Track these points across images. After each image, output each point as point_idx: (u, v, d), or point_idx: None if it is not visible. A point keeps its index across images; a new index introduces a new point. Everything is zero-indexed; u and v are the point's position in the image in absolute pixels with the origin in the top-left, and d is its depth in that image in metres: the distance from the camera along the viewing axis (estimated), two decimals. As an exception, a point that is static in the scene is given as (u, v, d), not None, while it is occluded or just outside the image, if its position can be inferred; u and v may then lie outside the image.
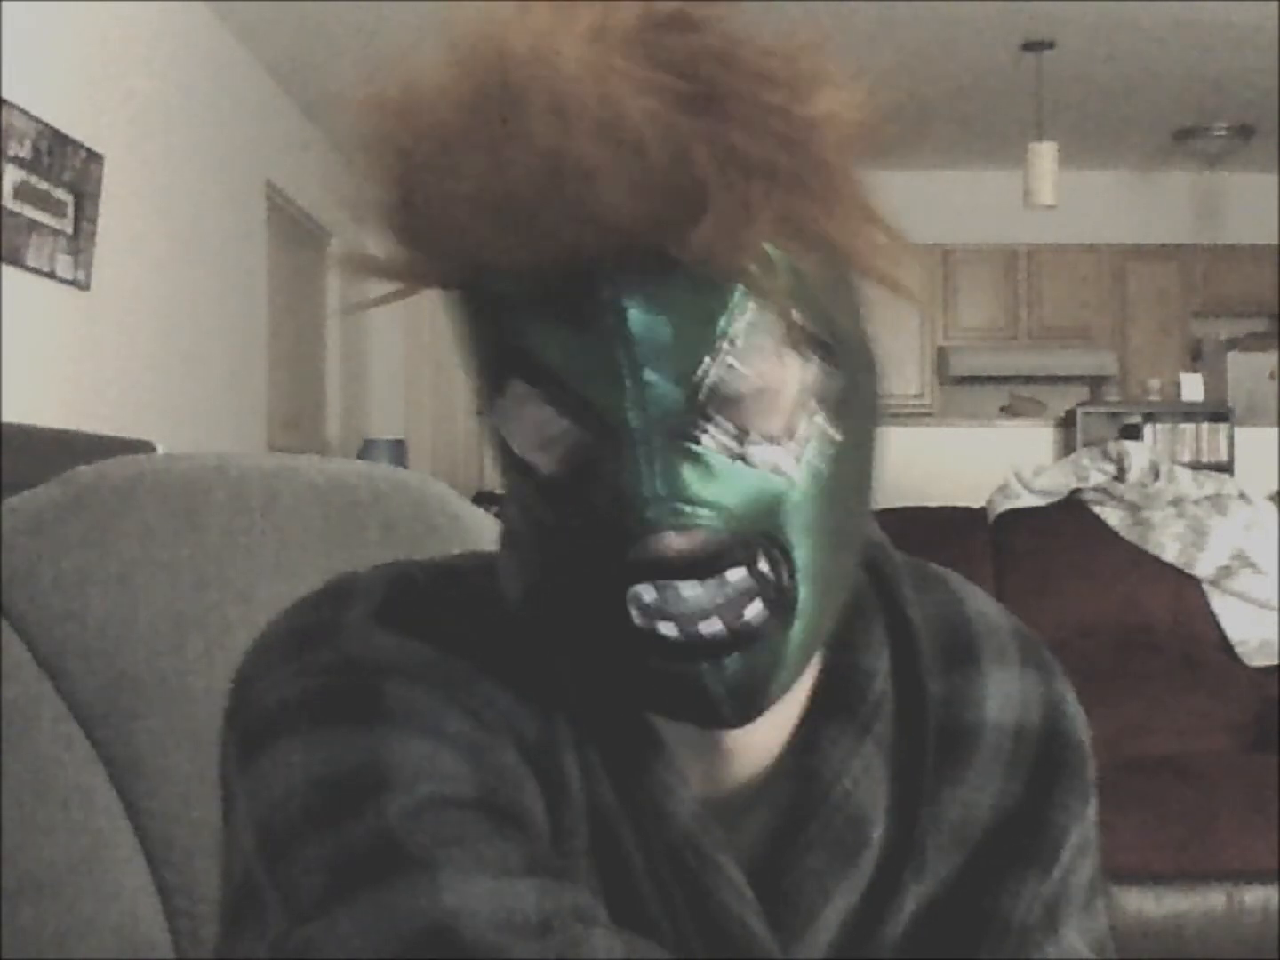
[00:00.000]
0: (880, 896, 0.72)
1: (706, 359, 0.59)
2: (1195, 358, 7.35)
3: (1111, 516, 4.11)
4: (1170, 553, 4.01)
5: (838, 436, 0.63)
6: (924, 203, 7.36)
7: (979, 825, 0.74)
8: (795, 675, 0.63)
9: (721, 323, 0.59)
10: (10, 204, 3.33)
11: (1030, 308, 7.51)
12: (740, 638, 0.60)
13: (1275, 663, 3.87)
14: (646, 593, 0.59)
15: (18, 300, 3.37)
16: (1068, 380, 7.30)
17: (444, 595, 0.70)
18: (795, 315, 0.60)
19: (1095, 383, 7.25)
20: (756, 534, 0.60)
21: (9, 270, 3.34)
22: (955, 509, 4.26)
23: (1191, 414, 5.87)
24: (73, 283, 3.68)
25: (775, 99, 0.59)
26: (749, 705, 0.62)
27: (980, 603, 0.79)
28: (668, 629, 0.60)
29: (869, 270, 0.65)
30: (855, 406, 0.65)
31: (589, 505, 0.60)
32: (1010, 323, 7.53)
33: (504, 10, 0.60)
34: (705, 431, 0.59)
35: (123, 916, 0.98)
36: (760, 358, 0.60)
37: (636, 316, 0.58)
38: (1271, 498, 4.26)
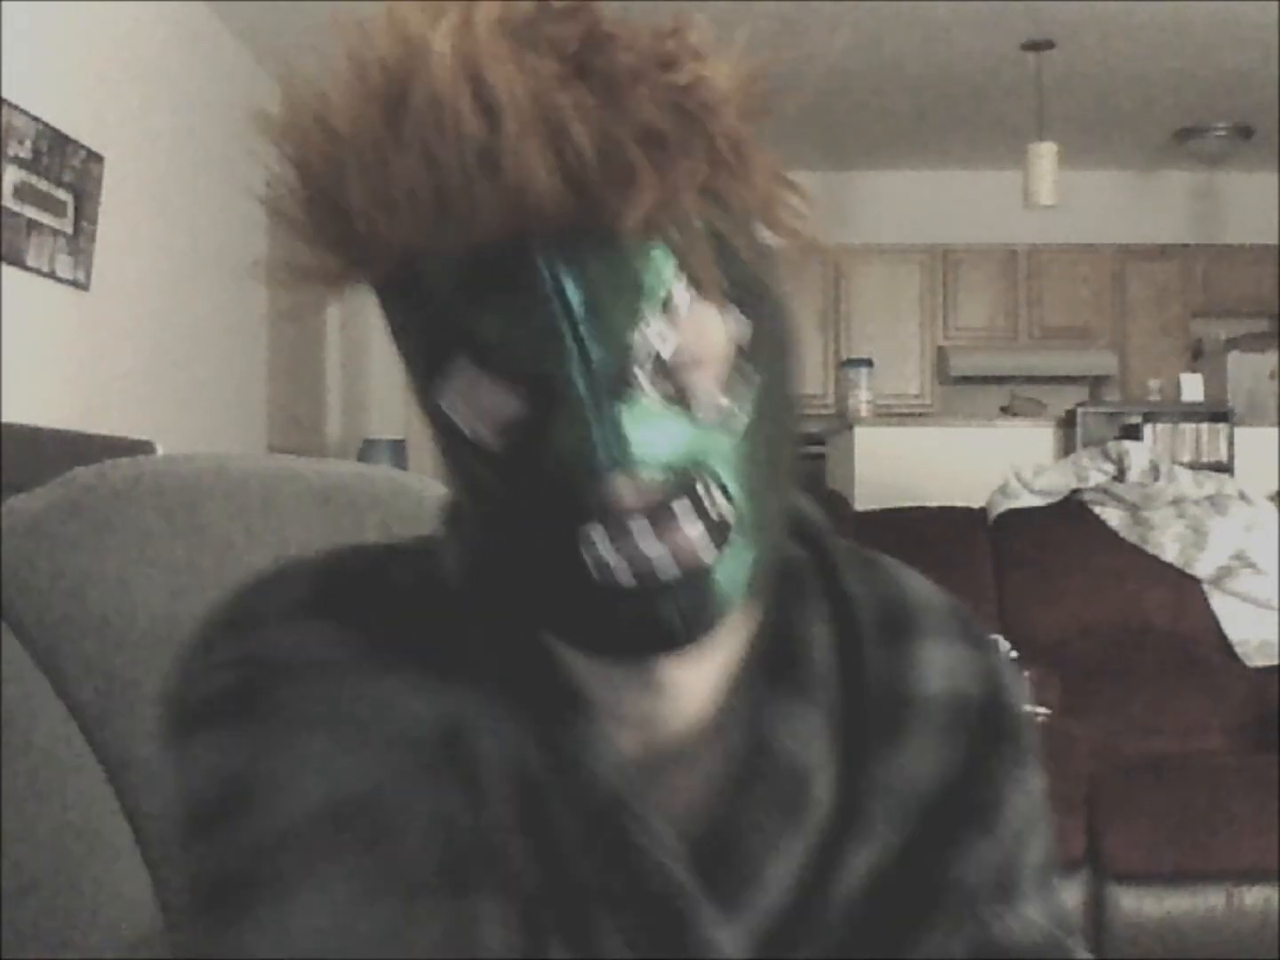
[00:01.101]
0: (825, 859, 0.74)
1: (641, 322, 0.63)
2: (1195, 358, 7.35)
3: (1111, 517, 4.11)
4: (1170, 553, 4.01)
5: (761, 381, 0.68)
6: (924, 203, 7.38)
7: (923, 794, 0.77)
8: (738, 598, 0.68)
9: (653, 287, 0.63)
10: (10, 204, 3.33)
11: (1030, 308, 7.51)
12: (689, 567, 0.65)
13: (1275, 663, 3.88)
14: (598, 534, 0.64)
15: (18, 300, 3.37)
16: (1068, 380, 7.29)
17: (370, 582, 0.74)
18: (719, 275, 0.65)
19: (1095, 383, 7.25)
20: (700, 478, 0.65)
21: (9, 270, 3.34)
22: (955, 509, 4.26)
23: (1191, 414, 5.86)
24: (73, 283, 3.68)
25: (678, 77, 0.63)
26: (699, 625, 0.66)
27: (916, 583, 0.83)
28: (622, 570, 0.64)
29: (782, 229, 0.69)
30: (774, 352, 0.70)
31: (540, 467, 0.64)
32: (1010, 323, 7.53)
33: (413, 13, 0.63)
34: (644, 388, 0.64)
35: (121, 917, 0.98)
36: (690, 317, 0.64)
37: (572, 286, 0.62)
38: (1271, 498, 4.26)
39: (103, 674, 0.99)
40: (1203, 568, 4.00)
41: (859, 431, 5.69)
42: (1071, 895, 3.16)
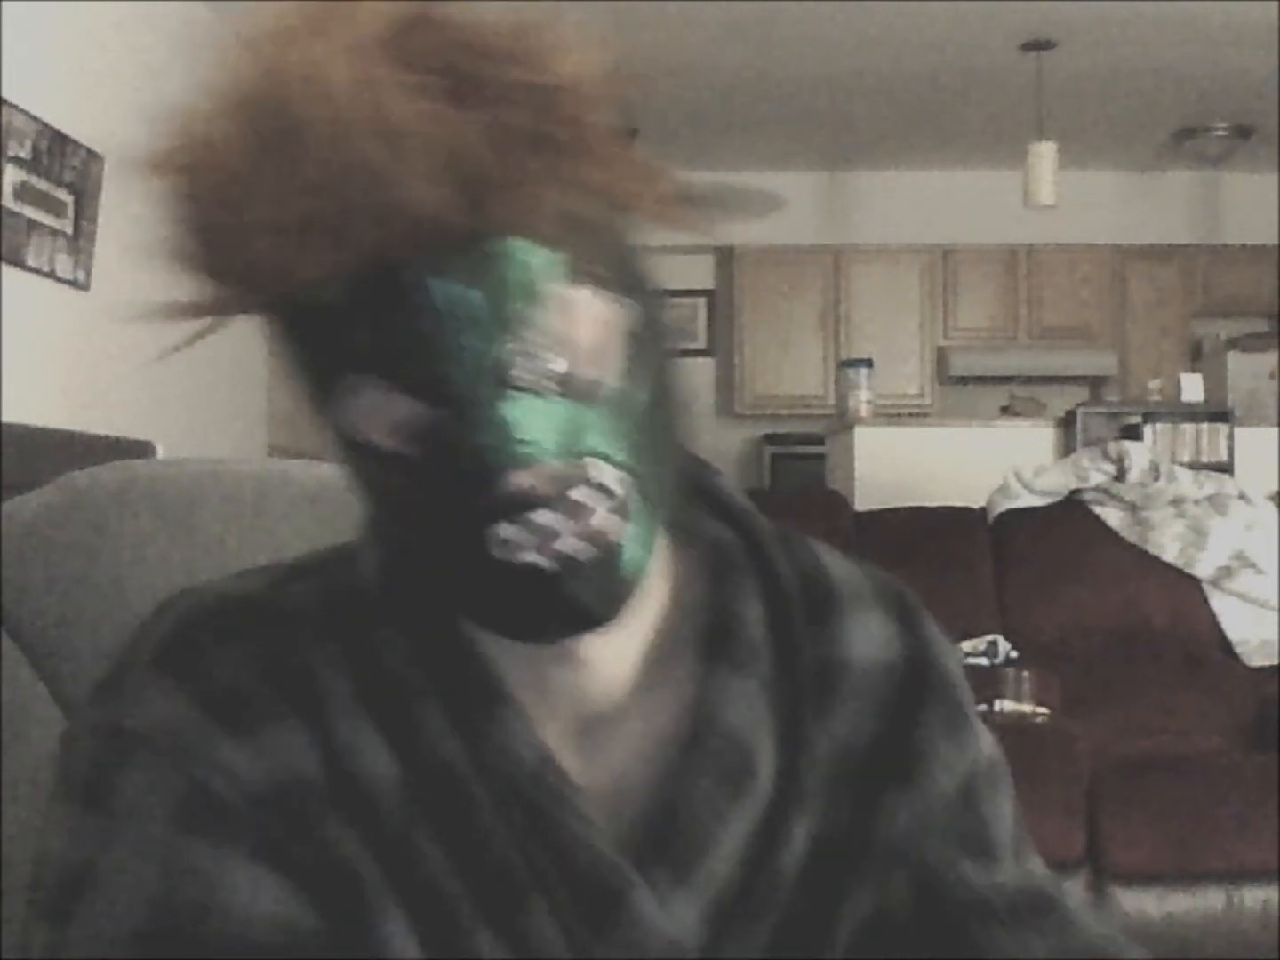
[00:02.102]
0: (770, 831, 0.76)
1: (527, 318, 0.65)
2: (1195, 358, 7.35)
3: (1111, 517, 4.11)
4: (1170, 553, 4.01)
5: (642, 361, 0.70)
6: (924, 203, 7.37)
7: (856, 759, 0.79)
8: (646, 569, 0.70)
9: (536, 285, 0.65)
10: (10, 204, 3.33)
11: (1030, 308, 7.51)
12: (598, 548, 0.67)
13: (1275, 663, 3.88)
14: (505, 530, 0.66)
15: (18, 300, 3.37)
16: (1068, 380, 7.29)
17: (245, 618, 0.75)
18: (591, 263, 0.67)
19: (1095, 383, 7.25)
20: (591, 456, 0.67)
21: (9, 270, 3.34)
22: (955, 509, 4.26)
23: (1191, 414, 5.85)
24: (73, 283, 3.68)
25: (538, 76, 0.64)
26: (612, 600, 0.69)
27: (839, 561, 0.85)
28: (530, 557, 0.66)
29: (648, 213, 0.71)
30: (651, 331, 0.72)
31: (440, 469, 0.66)
32: (1010, 323, 7.53)
33: (264, 39, 0.64)
34: (531, 382, 0.66)
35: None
36: (566, 307, 0.66)
37: (456, 292, 0.64)
38: (1271, 498, 4.26)
39: (98, 676, 0.99)
40: (1203, 568, 4.00)
41: (859, 431, 5.68)
42: (1071, 895, 3.16)
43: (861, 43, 5.47)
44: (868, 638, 0.81)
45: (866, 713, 0.80)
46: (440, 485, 0.66)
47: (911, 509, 4.27)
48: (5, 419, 2.92)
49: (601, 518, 0.67)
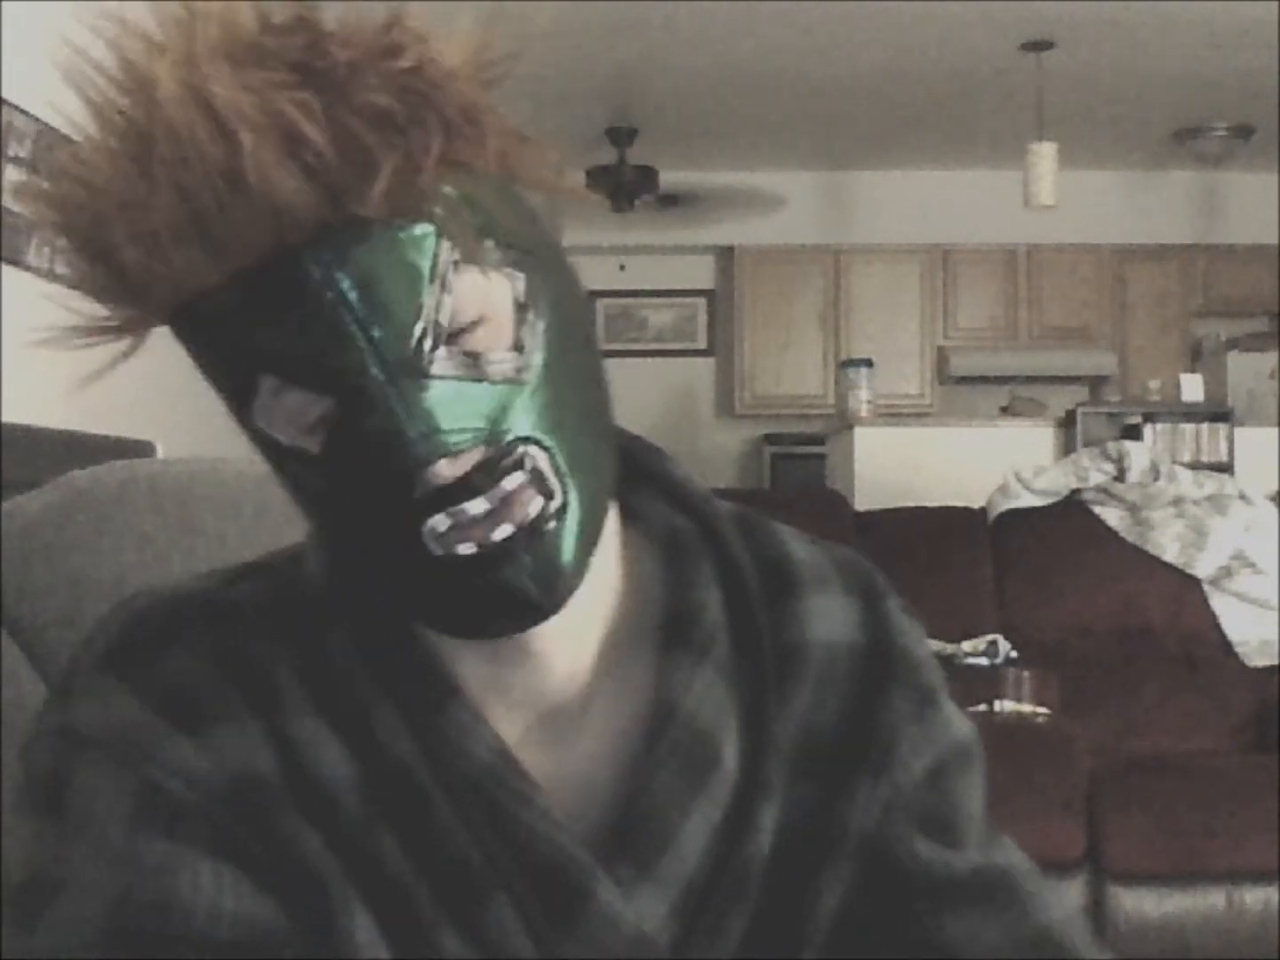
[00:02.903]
0: (737, 820, 0.75)
1: (423, 302, 0.65)
2: (1195, 358, 7.35)
3: (1111, 516, 4.11)
4: (1170, 553, 4.01)
5: (552, 329, 0.69)
6: (924, 203, 7.37)
7: (821, 744, 0.79)
8: (587, 553, 0.70)
9: (422, 264, 0.65)
10: (10, 204, 3.33)
11: (1030, 308, 7.51)
12: (529, 532, 0.66)
13: (1275, 663, 3.87)
14: (440, 523, 0.65)
15: (18, 300, 3.37)
16: (1068, 380, 7.29)
17: (196, 616, 0.75)
18: (487, 240, 0.67)
19: (1095, 383, 7.24)
20: (515, 439, 0.66)
21: (9, 270, 3.34)
22: (955, 509, 4.26)
23: (1191, 414, 5.86)
24: (72, 283, 3.67)
25: (401, 61, 0.64)
26: (554, 587, 0.68)
27: (800, 542, 0.84)
28: (465, 548, 0.65)
29: (533, 182, 0.71)
30: (558, 296, 0.71)
31: (363, 465, 0.65)
32: (1010, 323, 7.53)
33: (138, 52, 0.65)
34: (437, 365, 0.65)
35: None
36: (469, 287, 0.66)
37: (347, 283, 0.63)
38: (1271, 498, 4.26)
39: (101, 675, 0.99)
40: (1203, 568, 3.99)
41: (859, 431, 5.68)
42: (1071, 895, 3.16)
43: (861, 43, 5.47)
44: (829, 620, 0.80)
45: (830, 695, 0.79)
46: (368, 484, 0.65)
47: (911, 509, 4.27)
48: (5, 419, 2.92)
49: (535, 503, 0.67)
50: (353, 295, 0.63)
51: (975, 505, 4.27)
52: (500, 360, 0.67)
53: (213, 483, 1.05)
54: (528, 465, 0.67)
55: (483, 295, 0.67)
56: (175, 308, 0.66)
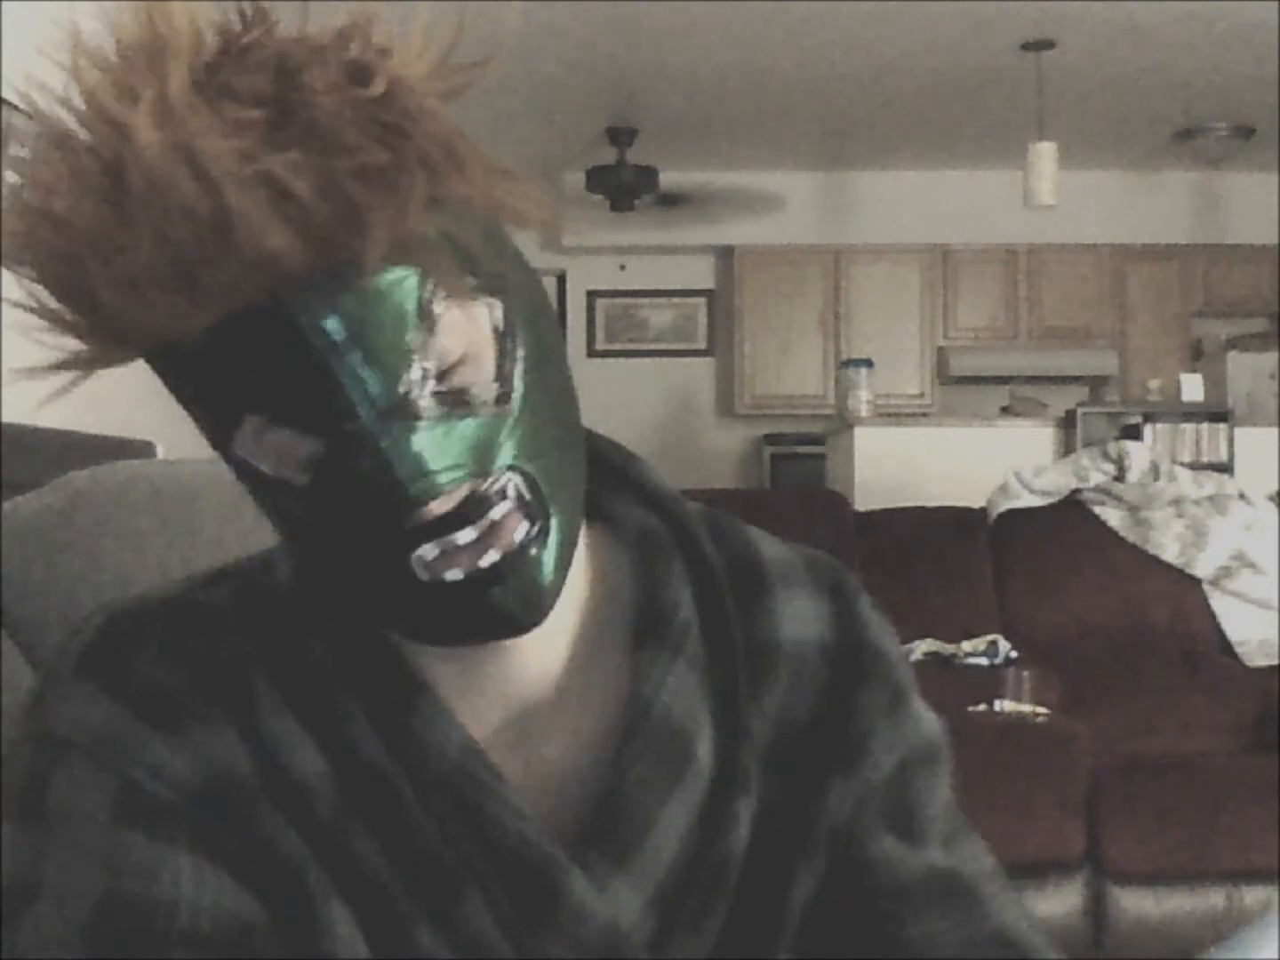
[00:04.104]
0: (712, 815, 0.76)
1: (410, 345, 0.65)
2: (1195, 358, 7.35)
3: (1111, 516, 4.11)
4: (1170, 553, 4.01)
5: (529, 351, 0.70)
6: (924, 203, 7.37)
7: (793, 740, 0.80)
8: (567, 565, 0.71)
9: (407, 306, 0.64)
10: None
11: (1030, 308, 7.51)
12: (515, 556, 0.67)
13: (1275, 663, 3.87)
14: (428, 552, 0.66)
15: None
16: (1068, 380, 7.29)
17: (168, 620, 0.75)
18: (467, 276, 0.67)
19: (1095, 383, 7.24)
20: (502, 468, 0.67)
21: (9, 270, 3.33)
22: (955, 509, 4.26)
23: (1191, 414, 5.85)
24: (72, 283, 3.67)
25: (373, 88, 0.63)
26: (537, 605, 0.69)
27: (769, 542, 0.85)
28: (452, 574, 0.66)
29: (507, 214, 0.70)
30: (532, 313, 0.72)
31: (350, 501, 0.65)
32: (1010, 323, 7.53)
33: (107, 90, 0.63)
34: (424, 404, 0.65)
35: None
36: (455, 325, 0.66)
37: (335, 328, 0.63)
38: (1271, 498, 4.26)
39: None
40: (1203, 568, 3.99)
41: (859, 431, 5.68)
42: (1072, 895, 3.16)
43: (861, 43, 5.46)
44: (799, 618, 0.81)
45: (802, 692, 0.80)
46: (356, 516, 0.65)
47: (911, 509, 4.27)
48: (5, 419, 2.92)
49: (520, 528, 0.68)
50: (341, 341, 0.63)
51: (975, 505, 4.27)
52: (484, 393, 0.67)
53: (213, 484, 1.05)
54: (512, 493, 0.67)
55: (464, 330, 0.67)
56: (153, 348, 0.65)
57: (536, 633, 0.72)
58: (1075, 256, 7.41)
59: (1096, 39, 5.40)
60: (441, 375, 0.66)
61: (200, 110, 0.61)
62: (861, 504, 4.61)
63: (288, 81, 0.63)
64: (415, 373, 0.65)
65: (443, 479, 0.65)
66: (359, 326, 0.63)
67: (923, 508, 4.27)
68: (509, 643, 0.73)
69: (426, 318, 0.65)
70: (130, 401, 4.03)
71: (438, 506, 0.65)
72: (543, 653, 0.76)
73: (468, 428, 0.66)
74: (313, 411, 0.64)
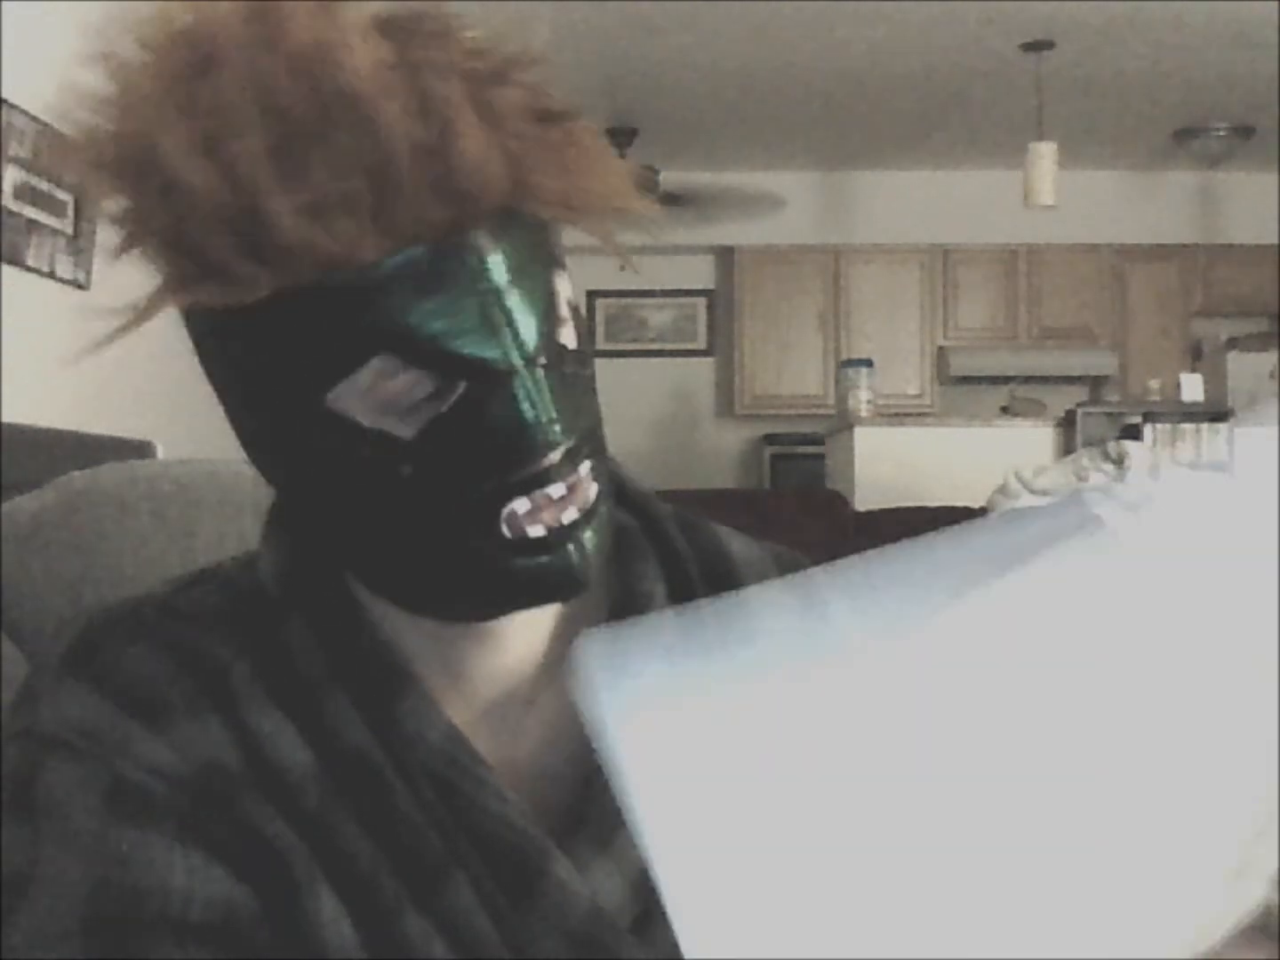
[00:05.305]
0: None
1: (552, 292, 0.67)
2: (1195, 358, 7.35)
3: (1111, 517, 4.10)
4: (1170, 553, 4.00)
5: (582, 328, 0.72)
6: (924, 203, 7.38)
7: None
8: (610, 527, 0.73)
9: (550, 259, 0.68)
10: (10, 204, 3.33)
11: (1030, 308, 7.51)
12: (589, 514, 0.69)
13: (1275, 663, 3.87)
14: (521, 505, 0.66)
15: (18, 300, 3.37)
16: (1068, 380, 7.30)
17: (152, 618, 0.75)
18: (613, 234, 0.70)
19: (1095, 383, 7.25)
20: (580, 428, 0.69)
21: (9, 270, 3.34)
22: (955, 509, 4.25)
23: (1191, 414, 5.86)
24: (73, 283, 3.67)
25: (525, 75, 0.67)
26: (596, 565, 0.70)
27: (739, 540, 0.87)
28: (536, 530, 0.67)
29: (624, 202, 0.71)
30: (576, 298, 0.74)
31: (464, 450, 0.65)
32: (1010, 323, 7.53)
33: (262, 21, 0.63)
34: (559, 357, 0.67)
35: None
36: (568, 280, 0.70)
37: (501, 271, 0.65)
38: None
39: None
40: (1202, 568, 3.99)
41: (859, 431, 5.68)
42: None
43: (861, 43, 5.47)
44: None
45: None
46: (460, 467, 0.66)
47: (911, 509, 4.27)
48: (5, 419, 2.92)
49: (592, 488, 0.70)
50: (503, 282, 0.65)
51: (975, 505, 4.27)
52: (579, 356, 0.70)
53: (212, 484, 1.05)
54: (587, 452, 0.69)
55: (569, 291, 0.70)
56: (305, 275, 0.63)
57: (518, 623, 0.73)
58: (1075, 256, 7.41)
59: (1096, 39, 5.40)
60: (563, 331, 0.68)
61: (394, 48, 0.63)
62: (861, 504, 4.61)
63: (456, 44, 0.65)
64: (553, 321, 0.67)
65: (560, 429, 0.66)
66: (520, 266, 0.65)
67: (923, 508, 4.27)
68: (493, 633, 0.74)
69: (562, 269, 0.68)
70: (130, 401, 4.04)
71: (556, 456, 0.66)
72: (524, 642, 0.77)
73: (582, 387, 0.69)
74: (460, 350, 0.64)
